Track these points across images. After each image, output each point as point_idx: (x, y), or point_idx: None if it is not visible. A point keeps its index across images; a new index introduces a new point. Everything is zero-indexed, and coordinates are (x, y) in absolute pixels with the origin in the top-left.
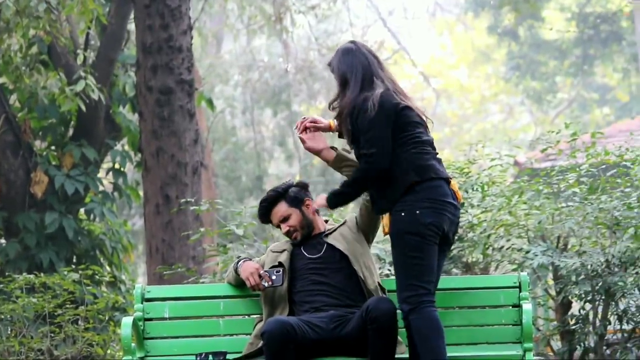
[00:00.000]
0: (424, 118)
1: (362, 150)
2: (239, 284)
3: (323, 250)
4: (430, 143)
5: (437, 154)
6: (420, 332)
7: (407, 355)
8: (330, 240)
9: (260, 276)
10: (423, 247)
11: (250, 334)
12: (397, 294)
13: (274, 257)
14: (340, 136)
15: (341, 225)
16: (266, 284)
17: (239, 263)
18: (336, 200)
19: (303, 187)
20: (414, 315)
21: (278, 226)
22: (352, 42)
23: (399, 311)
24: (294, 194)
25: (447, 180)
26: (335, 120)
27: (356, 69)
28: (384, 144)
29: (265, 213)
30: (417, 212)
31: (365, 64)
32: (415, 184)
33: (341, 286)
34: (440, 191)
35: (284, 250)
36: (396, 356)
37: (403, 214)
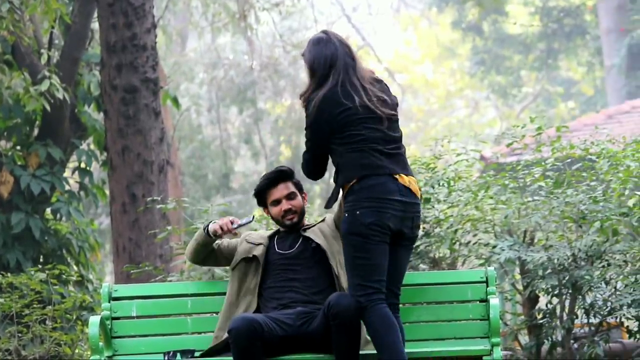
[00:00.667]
0: (381, 111)
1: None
2: (202, 254)
3: (298, 245)
4: (380, 139)
5: (395, 147)
6: (374, 330)
7: (373, 352)
8: (308, 233)
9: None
10: (367, 247)
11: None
12: (349, 293)
13: (247, 248)
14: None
15: (320, 222)
16: (235, 226)
17: (209, 224)
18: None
19: None
20: (365, 314)
21: (275, 203)
22: (324, 31)
23: None
24: (298, 181)
25: (393, 176)
26: None
27: (320, 61)
28: (311, 159)
29: (270, 184)
30: (357, 212)
31: (330, 56)
32: (354, 183)
33: (313, 282)
34: (380, 189)
35: (259, 244)
36: (365, 352)
37: (347, 214)
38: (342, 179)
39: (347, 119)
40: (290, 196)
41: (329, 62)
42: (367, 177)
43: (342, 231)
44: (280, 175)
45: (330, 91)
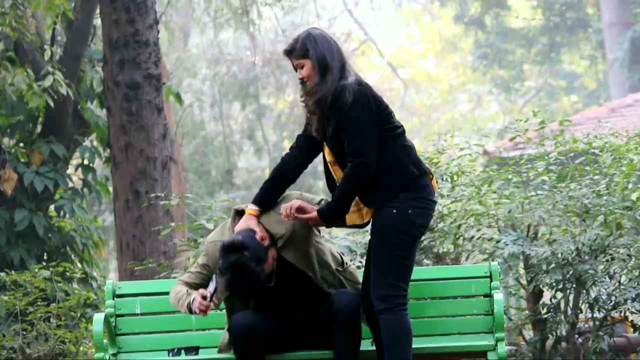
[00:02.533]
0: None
1: (351, 153)
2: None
3: (277, 273)
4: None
5: None
6: (391, 334)
7: (369, 348)
8: (284, 253)
9: (204, 297)
10: (410, 247)
11: (221, 329)
12: (373, 289)
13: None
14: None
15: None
16: (208, 300)
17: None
18: (332, 215)
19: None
20: (389, 315)
21: None
22: (317, 28)
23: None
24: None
25: (430, 176)
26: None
27: (333, 53)
28: (374, 146)
29: None
30: (410, 211)
31: (339, 49)
32: (414, 179)
33: (301, 295)
34: (430, 190)
35: None
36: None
37: (395, 210)
38: (399, 175)
39: (387, 109)
40: None
41: (341, 54)
42: (421, 176)
43: (382, 225)
44: None
45: (361, 81)
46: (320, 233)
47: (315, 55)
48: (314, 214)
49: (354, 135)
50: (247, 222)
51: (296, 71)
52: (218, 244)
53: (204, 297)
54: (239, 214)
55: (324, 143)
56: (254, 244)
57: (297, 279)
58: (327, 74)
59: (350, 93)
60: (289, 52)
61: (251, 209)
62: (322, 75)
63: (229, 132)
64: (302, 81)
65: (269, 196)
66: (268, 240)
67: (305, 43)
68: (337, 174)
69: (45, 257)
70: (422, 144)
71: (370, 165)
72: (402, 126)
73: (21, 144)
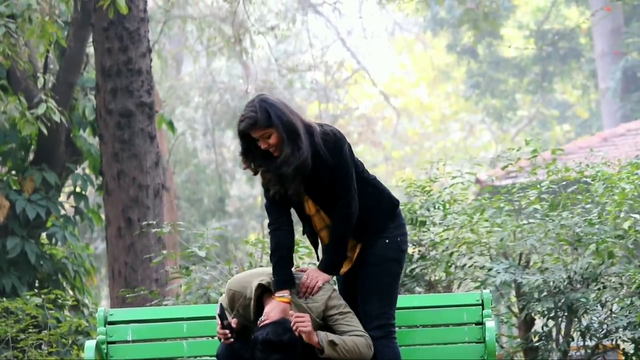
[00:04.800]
0: None
1: (344, 192)
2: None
3: None
4: None
5: None
6: None
7: None
8: None
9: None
10: (400, 275)
11: (213, 356)
12: (368, 319)
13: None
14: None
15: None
16: (220, 325)
17: None
18: (337, 267)
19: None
20: (384, 342)
21: None
22: (264, 94)
23: None
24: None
25: None
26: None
27: (295, 116)
28: (355, 183)
29: None
30: (398, 239)
31: (291, 108)
32: (396, 208)
33: None
34: (403, 216)
35: None
36: None
37: (387, 241)
38: (386, 206)
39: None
40: None
41: (294, 111)
42: (398, 205)
43: (377, 257)
44: None
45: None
46: None
47: (281, 123)
48: (326, 275)
49: (344, 175)
50: (285, 311)
51: (250, 144)
52: (234, 293)
53: (220, 325)
54: (265, 289)
55: (302, 201)
56: (294, 341)
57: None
58: (297, 139)
59: (338, 138)
60: (253, 125)
61: (284, 296)
62: (292, 142)
63: (221, 160)
64: (263, 152)
65: (289, 277)
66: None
67: (265, 111)
68: (325, 220)
69: (37, 285)
70: (414, 172)
71: (356, 205)
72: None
73: (13, 172)
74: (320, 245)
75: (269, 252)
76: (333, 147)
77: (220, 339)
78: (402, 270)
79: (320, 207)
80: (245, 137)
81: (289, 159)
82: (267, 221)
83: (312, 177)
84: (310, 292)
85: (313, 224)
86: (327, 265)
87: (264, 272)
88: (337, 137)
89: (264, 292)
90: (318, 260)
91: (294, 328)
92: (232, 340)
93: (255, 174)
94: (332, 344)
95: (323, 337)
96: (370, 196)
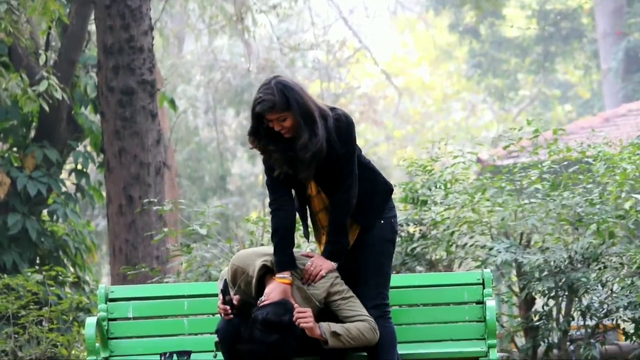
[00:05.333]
0: None
1: (348, 175)
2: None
3: None
4: None
5: None
6: (385, 340)
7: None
8: None
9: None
10: (393, 254)
11: (214, 333)
12: (366, 299)
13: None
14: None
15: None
16: (221, 299)
17: None
18: (341, 254)
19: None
20: (381, 322)
21: None
22: (280, 76)
23: None
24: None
25: None
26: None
27: (311, 100)
28: (356, 168)
29: None
30: (392, 220)
31: (307, 92)
32: (389, 192)
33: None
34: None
35: None
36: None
37: (382, 222)
38: (384, 189)
39: None
40: None
41: (309, 94)
42: (392, 189)
43: (374, 238)
44: None
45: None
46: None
47: (299, 107)
48: (330, 264)
49: (349, 160)
50: (285, 292)
51: (261, 125)
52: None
53: (222, 300)
54: (268, 269)
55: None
56: (294, 323)
57: None
58: (314, 124)
59: (349, 123)
60: (271, 109)
61: (285, 278)
62: (308, 127)
63: (222, 138)
64: (271, 132)
65: (290, 258)
66: None
67: (283, 94)
68: (325, 202)
69: (37, 261)
70: (415, 152)
71: (357, 184)
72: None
73: (14, 149)
74: (310, 226)
75: (270, 231)
76: (344, 132)
77: (220, 314)
78: (394, 251)
79: (321, 189)
80: (259, 118)
81: (307, 145)
82: (268, 199)
83: (322, 160)
84: (313, 280)
85: (312, 204)
86: (331, 253)
87: (268, 252)
88: (348, 121)
89: (266, 272)
90: (306, 237)
91: (296, 323)
92: (232, 316)
93: (263, 154)
94: (335, 334)
95: (325, 328)
96: (367, 180)
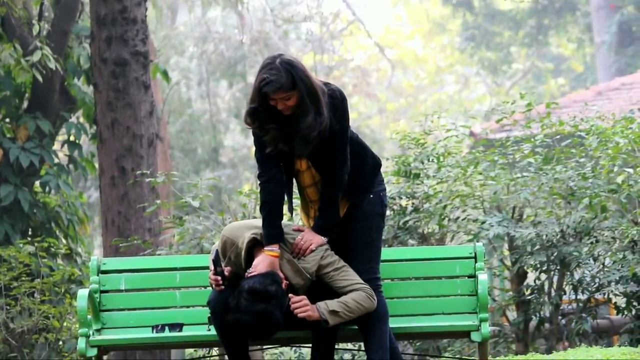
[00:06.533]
0: None
1: (342, 151)
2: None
3: None
4: None
5: None
6: (377, 314)
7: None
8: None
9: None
10: (383, 228)
11: (205, 305)
12: (358, 274)
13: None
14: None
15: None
16: (213, 270)
17: None
18: (331, 229)
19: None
20: (377, 296)
21: None
22: (284, 54)
23: None
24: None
25: None
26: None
27: (315, 79)
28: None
29: None
30: (381, 194)
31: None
32: (378, 167)
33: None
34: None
35: None
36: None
37: (372, 196)
38: (374, 164)
39: None
40: None
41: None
42: (380, 163)
43: (364, 213)
44: None
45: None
46: None
47: (305, 87)
48: (320, 238)
49: (342, 136)
50: (273, 264)
51: (263, 103)
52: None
53: (213, 271)
54: (257, 242)
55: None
56: (281, 293)
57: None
58: (319, 103)
59: (343, 98)
60: (278, 89)
61: (273, 250)
62: (314, 106)
63: (215, 110)
64: (270, 110)
65: (279, 231)
66: (285, 287)
67: (290, 74)
68: (315, 177)
69: (30, 233)
70: (408, 125)
71: (349, 160)
72: None
73: (7, 120)
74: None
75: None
76: (339, 108)
77: (212, 286)
78: (384, 225)
79: (313, 165)
80: (264, 98)
81: (312, 124)
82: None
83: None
84: (302, 254)
85: (301, 179)
86: (322, 228)
87: (258, 225)
88: (342, 97)
89: (255, 245)
90: (290, 212)
91: (294, 313)
92: (223, 287)
93: (260, 132)
94: (334, 313)
95: (324, 309)
96: (357, 154)
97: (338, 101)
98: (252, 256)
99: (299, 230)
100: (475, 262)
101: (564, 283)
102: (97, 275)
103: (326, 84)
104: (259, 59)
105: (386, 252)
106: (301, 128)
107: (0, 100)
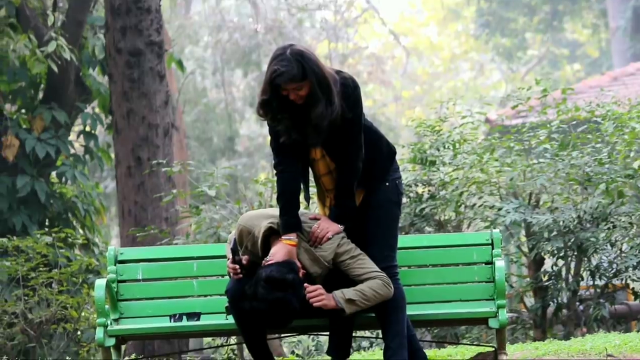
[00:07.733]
0: None
1: (356, 139)
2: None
3: None
4: None
5: None
6: (395, 302)
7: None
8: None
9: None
10: (399, 216)
11: (223, 294)
12: (375, 263)
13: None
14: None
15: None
16: (231, 259)
17: None
18: (348, 217)
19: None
20: (394, 283)
21: None
22: (295, 45)
23: None
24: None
25: None
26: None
27: (326, 69)
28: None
29: None
30: (397, 182)
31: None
32: (393, 154)
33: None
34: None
35: None
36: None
37: (387, 184)
38: (389, 152)
39: None
40: None
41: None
42: (395, 151)
43: (379, 201)
44: None
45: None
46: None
47: (316, 77)
48: (337, 227)
49: (356, 124)
50: (290, 253)
51: (275, 94)
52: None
53: (231, 260)
54: (273, 231)
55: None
56: (298, 281)
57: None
58: (330, 93)
59: (356, 86)
60: (290, 80)
61: (291, 239)
62: (325, 96)
63: (230, 99)
64: (283, 100)
65: (296, 220)
66: (303, 276)
67: (301, 65)
68: (330, 166)
69: (47, 223)
70: (424, 112)
71: (363, 148)
72: None
73: (23, 111)
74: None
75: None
76: (352, 96)
77: (229, 274)
78: (401, 213)
79: (327, 153)
80: (276, 89)
81: (323, 114)
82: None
83: (341, 123)
84: (319, 243)
85: (316, 168)
86: (338, 216)
87: (275, 214)
88: (355, 85)
89: (272, 234)
90: (307, 201)
91: (310, 302)
92: (241, 275)
93: (273, 122)
94: (351, 301)
95: (340, 297)
96: (371, 142)
97: (350, 89)
98: (269, 245)
99: (316, 219)
100: (492, 248)
101: (582, 269)
102: (115, 265)
103: (338, 72)
104: (273, 48)
105: (403, 240)
106: (312, 117)
107: (15, 91)
